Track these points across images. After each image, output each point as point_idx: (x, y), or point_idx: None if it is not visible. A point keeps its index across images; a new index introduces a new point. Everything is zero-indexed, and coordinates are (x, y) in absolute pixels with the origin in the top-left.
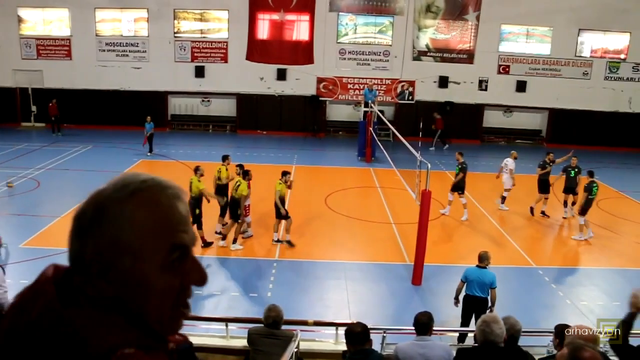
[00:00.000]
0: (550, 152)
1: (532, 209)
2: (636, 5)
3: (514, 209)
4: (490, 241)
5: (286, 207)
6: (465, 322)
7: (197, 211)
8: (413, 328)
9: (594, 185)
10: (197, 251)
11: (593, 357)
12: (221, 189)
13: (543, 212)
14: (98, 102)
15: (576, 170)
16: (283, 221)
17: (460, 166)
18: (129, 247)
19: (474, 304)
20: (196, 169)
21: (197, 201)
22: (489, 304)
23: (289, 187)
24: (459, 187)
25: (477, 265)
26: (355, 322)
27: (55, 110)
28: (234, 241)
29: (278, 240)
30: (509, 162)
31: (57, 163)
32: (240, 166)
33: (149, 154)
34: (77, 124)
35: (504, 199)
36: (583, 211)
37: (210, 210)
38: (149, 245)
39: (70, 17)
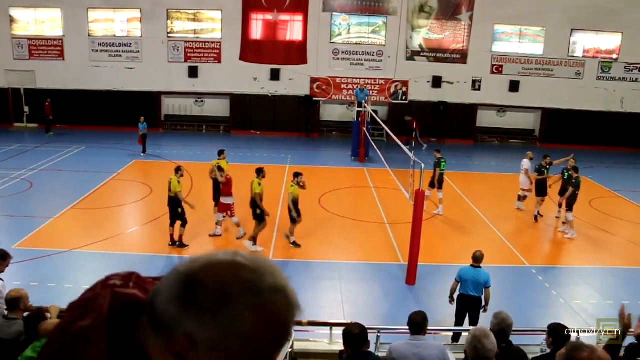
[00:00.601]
0: (547, 156)
1: (536, 217)
2: (628, 5)
3: (508, 209)
4: (484, 241)
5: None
6: (459, 321)
7: (180, 210)
8: (407, 328)
9: (579, 180)
10: (182, 252)
11: (590, 358)
12: (218, 183)
13: (538, 213)
14: (91, 103)
15: (570, 173)
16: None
17: (436, 161)
18: (227, 351)
19: (468, 303)
20: (177, 169)
21: (177, 200)
22: (483, 303)
23: (303, 187)
24: (440, 183)
25: (472, 265)
26: (353, 322)
27: (48, 110)
28: (254, 241)
29: (294, 243)
30: (525, 163)
31: (50, 164)
32: (220, 168)
33: (142, 154)
34: (70, 125)
35: (520, 197)
36: (570, 206)
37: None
38: (248, 357)
39: (63, 17)
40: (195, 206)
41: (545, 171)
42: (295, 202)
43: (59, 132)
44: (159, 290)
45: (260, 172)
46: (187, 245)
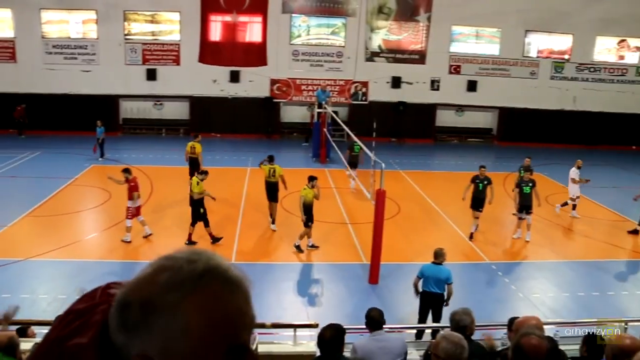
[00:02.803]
0: (482, 167)
1: (471, 235)
2: (577, 8)
3: (468, 207)
4: (445, 238)
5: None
6: (422, 318)
7: (202, 210)
8: (364, 328)
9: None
10: (215, 246)
11: (539, 345)
12: (193, 161)
13: (475, 229)
14: (46, 107)
15: (531, 185)
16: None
17: (350, 145)
18: (179, 354)
19: (431, 299)
20: (201, 172)
21: (199, 201)
22: (445, 298)
23: (316, 196)
24: (354, 164)
25: (433, 262)
26: (328, 325)
27: (19, 114)
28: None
29: (312, 246)
30: (572, 172)
31: (3, 170)
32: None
33: (100, 159)
34: (25, 129)
35: (574, 207)
36: (527, 209)
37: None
38: (202, 351)
39: (13, 18)
40: (215, 198)
41: (480, 185)
42: (306, 206)
43: (11, 137)
44: (109, 321)
45: (312, 179)
46: (222, 237)
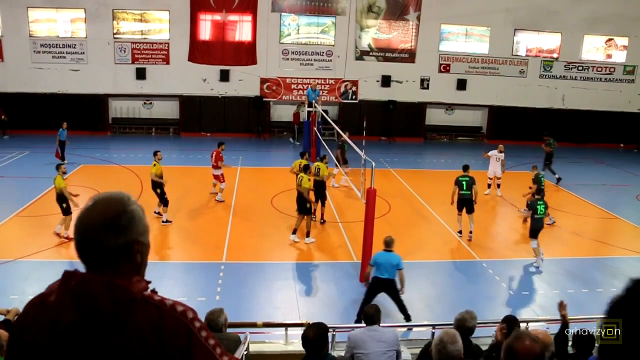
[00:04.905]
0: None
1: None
2: (565, 7)
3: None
4: (435, 236)
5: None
6: (367, 300)
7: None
8: (362, 325)
9: (540, 203)
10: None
11: (532, 347)
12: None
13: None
14: (34, 106)
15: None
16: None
17: (340, 144)
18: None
19: (381, 284)
20: (155, 153)
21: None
22: (399, 286)
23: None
24: (345, 161)
25: (385, 250)
26: (311, 324)
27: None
28: (307, 234)
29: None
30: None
31: None
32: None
33: (65, 162)
34: (13, 129)
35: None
36: (534, 233)
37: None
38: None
39: (0, 16)
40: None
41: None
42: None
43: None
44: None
45: (307, 168)
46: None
